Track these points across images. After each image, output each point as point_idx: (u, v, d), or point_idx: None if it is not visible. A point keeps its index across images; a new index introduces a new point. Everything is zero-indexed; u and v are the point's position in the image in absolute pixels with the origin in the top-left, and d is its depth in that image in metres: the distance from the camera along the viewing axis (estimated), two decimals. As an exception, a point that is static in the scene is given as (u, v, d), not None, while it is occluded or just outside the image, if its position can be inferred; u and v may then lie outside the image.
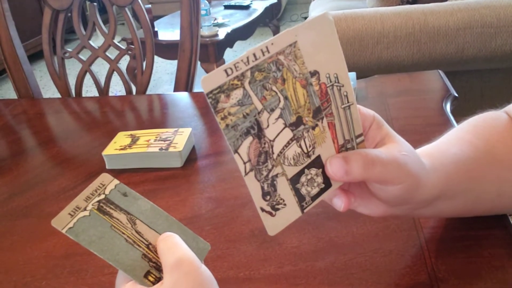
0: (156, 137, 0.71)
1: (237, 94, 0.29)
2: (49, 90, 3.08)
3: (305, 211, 0.35)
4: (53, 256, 0.53)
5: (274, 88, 0.31)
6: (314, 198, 0.35)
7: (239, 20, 2.97)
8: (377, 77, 0.88)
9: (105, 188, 0.38)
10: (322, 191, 0.35)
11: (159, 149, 0.67)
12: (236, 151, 0.31)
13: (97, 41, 1.02)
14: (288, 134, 0.32)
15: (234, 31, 2.77)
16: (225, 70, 0.29)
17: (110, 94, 1.09)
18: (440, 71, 0.87)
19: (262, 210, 0.34)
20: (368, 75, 0.89)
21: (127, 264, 0.36)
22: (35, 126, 0.87)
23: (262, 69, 0.30)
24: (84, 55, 1.06)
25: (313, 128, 0.33)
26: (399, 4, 1.88)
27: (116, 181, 0.38)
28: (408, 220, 0.50)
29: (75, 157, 0.74)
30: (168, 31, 2.76)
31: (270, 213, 0.34)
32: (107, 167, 0.68)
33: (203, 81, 0.28)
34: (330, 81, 0.32)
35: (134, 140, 0.70)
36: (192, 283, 0.33)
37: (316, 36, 0.31)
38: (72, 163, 0.72)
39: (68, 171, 0.70)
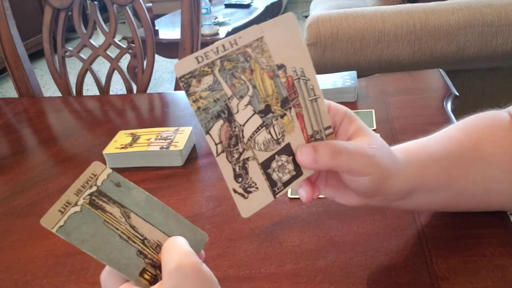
0: (157, 136, 0.71)
1: (207, 80, 0.32)
2: (49, 89, 3.08)
3: (277, 196, 0.36)
4: (54, 255, 0.53)
5: (242, 77, 0.33)
6: (285, 184, 0.37)
7: (239, 18, 2.97)
8: (378, 76, 0.87)
9: (97, 178, 0.35)
10: (293, 178, 0.37)
11: (160, 148, 0.67)
12: (207, 132, 0.33)
13: (97, 40, 1.02)
14: (257, 120, 0.34)
15: (235, 30, 2.77)
16: (196, 58, 0.31)
17: (111, 93, 1.09)
18: (441, 70, 0.87)
19: (235, 191, 0.35)
20: (369, 74, 0.89)
21: (122, 263, 0.34)
22: (36, 124, 0.87)
23: (231, 59, 0.32)
24: (85, 54, 1.06)
25: (282, 117, 0.35)
26: (400, 3, 1.88)
27: (108, 170, 0.35)
28: (409, 219, 0.50)
29: (75, 156, 0.74)
30: (169, 29, 2.76)
31: (243, 195, 0.35)
32: (107, 165, 0.68)
33: (176, 66, 0.30)
34: (297, 75, 0.34)
35: (135, 139, 0.71)
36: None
37: (281, 33, 0.33)
38: (73, 161, 0.72)
39: (69, 170, 0.70)
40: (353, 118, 0.38)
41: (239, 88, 0.33)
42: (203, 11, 2.72)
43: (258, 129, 0.34)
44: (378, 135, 0.39)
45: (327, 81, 0.81)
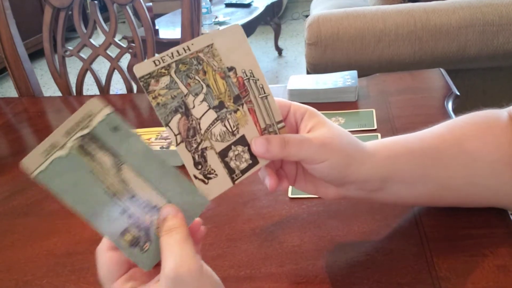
0: (157, 135, 0.70)
1: (164, 80, 0.35)
2: (50, 89, 3.08)
3: (236, 182, 0.39)
4: (54, 255, 0.53)
5: (196, 77, 0.37)
6: (243, 171, 0.39)
7: (240, 18, 2.96)
8: (379, 75, 0.87)
9: (92, 119, 0.31)
10: (250, 166, 0.40)
11: (160, 148, 0.67)
12: (167, 125, 0.36)
13: (97, 39, 1.02)
14: (212, 114, 0.38)
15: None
16: (154, 61, 0.35)
17: (111, 92, 1.09)
18: (441, 69, 0.86)
19: (195, 177, 0.37)
20: (370, 73, 0.89)
21: (103, 221, 0.32)
22: (36, 124, 0.87)
23: (185, 62, 0.36)
24: (85, 54, 1.06)
25: (235, 112, 0.38)
26: (401, 2, 1.88)
27: (106, 110, 0.32)
28: (410, 218, 0.50)
29: (76, 156, 0.74)
30: (169, 29, 2.76)
31: (203, 181, 0.38)
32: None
33: (136, 68, 0.34)
34: (246, 76, 0.38)
35: (135, 138, 0.70)
36: None
37: (229, 40, 0.37)
38: (73, 161, 0.72)
39: (69, 170, 0.69)
40: (314, 114, 0.41)
41: (194, 86, 0.36)
42: (204, 10, 2.71)
43: (213, 122, 0.38)
44: (340, 127, 0.42)
45: (328, 80, 0.81)
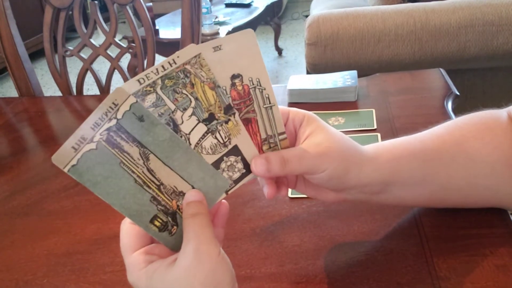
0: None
1: (151, 98, 0.34)
2: (50, 88, 3.08)
3: (229, 192, 0.39)
4: (54, 254, 0.53)
5: (184, 91, 0.36)
6: (237, 181, 0.39)
7: (240, 18, 2.96)
8: (379, 76, 0.87)
9: (118, 109, 0.32)
10: (244, 175, 0.39)
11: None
12: None
13: (98, 39, 1.02)
14: (202, 128, 0.37)
15: (235, 29, 2.77)
16: (138, 80, 0.34)
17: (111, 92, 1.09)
18: (441, 69, 0.86)
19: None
20: (370, 73, 0.89)
21: (133, 209, 0.33)
22: (36, 124, 0.87)
23: (171, 77, 0.35)
24: (85, 53, 1.06)
25: (226, 122, 0.38)
26: (401, 2, 1.88)
27: (131, 99, 0.33)
28: (410, 218, 0.50)
29: (76, 155, 0.74)
30: (169, 29, 2.76)
31: None
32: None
33: (121, 88, 0.34)
34: (253, 84, 0.38)
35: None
36: (204, 274, 0.33)
37: (239, 46, 0.36)
38: (73, 161, 0.72)
39: (69, 169, 0.69)
40: (312, 119, 0.41)
41: (182, 101, 0.36)
42: (204, 10, 2.72)
43: (203, 135, 0.37)
44: (338, 131, 0.41)
45: (328, 80, 0.81)
